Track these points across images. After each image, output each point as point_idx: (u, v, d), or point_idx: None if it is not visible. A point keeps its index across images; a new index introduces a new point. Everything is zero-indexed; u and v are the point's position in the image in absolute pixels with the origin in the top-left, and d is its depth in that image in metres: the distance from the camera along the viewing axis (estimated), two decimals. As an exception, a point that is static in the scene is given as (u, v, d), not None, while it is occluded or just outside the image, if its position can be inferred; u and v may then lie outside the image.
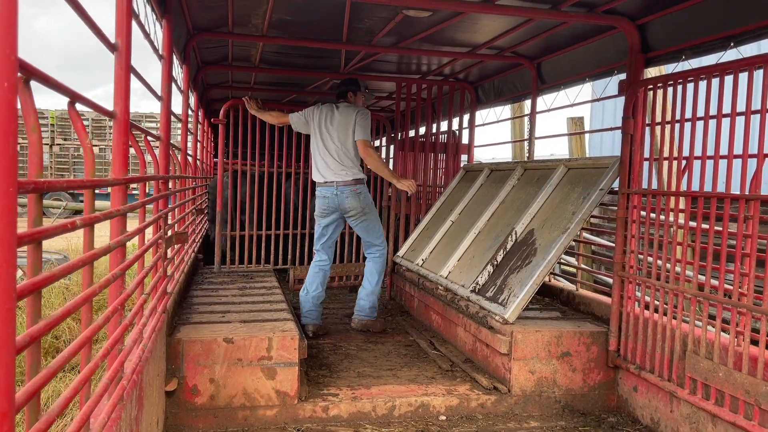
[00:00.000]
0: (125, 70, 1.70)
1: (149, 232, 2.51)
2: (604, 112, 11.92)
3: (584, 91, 4.63)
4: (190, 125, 4.98)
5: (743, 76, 2.71)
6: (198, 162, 5.92)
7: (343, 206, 4.52)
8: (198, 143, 6.06)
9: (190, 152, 4.93)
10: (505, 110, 6.55)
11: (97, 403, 1.40)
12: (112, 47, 1.68)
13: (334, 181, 4.50)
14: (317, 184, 4.60)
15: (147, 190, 2.45)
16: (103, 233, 2.18)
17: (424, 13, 3.71)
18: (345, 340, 4.56)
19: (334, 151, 4.53)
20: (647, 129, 3.39)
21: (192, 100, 5.36)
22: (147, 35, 2.45)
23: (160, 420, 2.81)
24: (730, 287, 2.70)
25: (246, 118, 5.69)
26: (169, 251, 3.09)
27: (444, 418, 3.33)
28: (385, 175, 4.75)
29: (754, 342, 2.62)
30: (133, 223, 2.17)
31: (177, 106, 3.88)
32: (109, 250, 1.39)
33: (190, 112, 4.91)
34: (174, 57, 3.35)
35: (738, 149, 2.70)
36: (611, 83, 4.36)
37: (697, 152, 2.96)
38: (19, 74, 0.73)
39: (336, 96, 4.79)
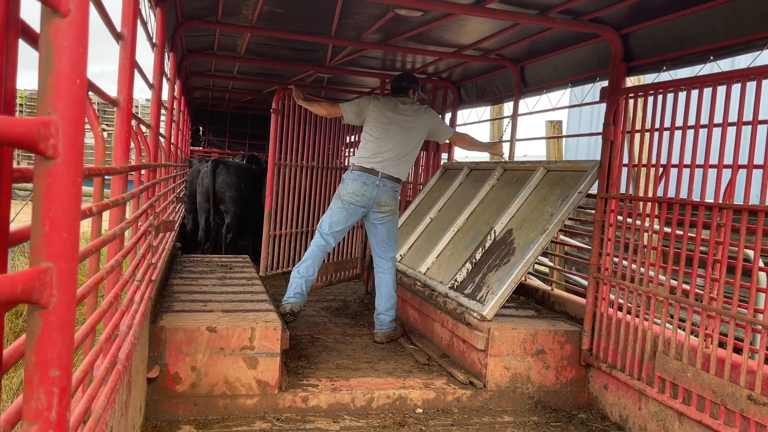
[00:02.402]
0: (130, 60, 1.72)
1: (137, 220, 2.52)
2: (581, 117, 12.15)
3: (564, 95, 4.74)
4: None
5: (721, 89, 2.83)
6: (179, 150, 5.89)
7: (380, 199, 4.30)
8: (179, 131, 6.02)
9: (172, 140, 4.90)
10: (486, 111, 6.65)
11: (99, 388, 1.43)
12: (118, 36, 1.70)
13: (379, 172, 4.28)
14: (359, 168, 4.32)
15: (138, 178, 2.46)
16: (84, 221, 2.18)
17: (416, 12, 3.76)
18: (323, 332, 4.60)
19: (399, 147, 4.34)
20: (627, 136, 3.51)
21: (176, 88, 5.33)
22: (144, 23, 2.46)
23: (142, 406, 2.83)
24: (701, 292, 2.82)
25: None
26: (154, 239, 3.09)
27: (421, 411, 3.40)
28: (480, 148, 4.94)
29: (722, 344, 2.74)
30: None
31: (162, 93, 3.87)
32: (116, 236, 1.42)
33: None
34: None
35: (713, 159, 2.81)
36: (592, 89, 4.48)
37: (674, 160, 3.08)
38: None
39: (393, 90, 4.59)
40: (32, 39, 0.75)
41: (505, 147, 5.17)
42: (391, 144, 4.32)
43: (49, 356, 0.63)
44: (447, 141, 4.77)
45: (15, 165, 0.74)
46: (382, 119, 4.37)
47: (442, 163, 6.27)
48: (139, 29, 2.51)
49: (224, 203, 7.43)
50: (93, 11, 1.40)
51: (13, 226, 0.75)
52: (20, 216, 7.01)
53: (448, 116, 6.43)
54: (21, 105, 20.07)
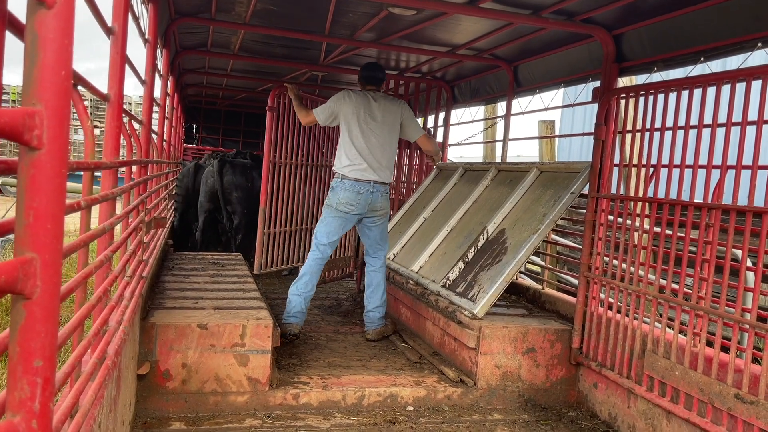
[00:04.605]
0: (121, 55, 1.72)
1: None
2: (574, 117, 12.19)
3: (557, 95, 4.75)
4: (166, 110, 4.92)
5: (711, 90, 2.85)
6: (171, 147, 5.87)
7: (375, 205, 4.23)
8: (172, 128, 6.00)
9: (165, 137, 4.89)
10: (479, 110, 6.67)
11: (87, 382, 1.43)
12: (108, 31, 1.70)
13: (371, 180, 4.19)
14: (350, 178, 4.18)
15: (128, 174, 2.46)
16: (73, 217, 2.17)
17: (409, 11, 3.77)
18: (314, 330, 4.60)
19: (377, 148, 4.22)
20: (618, 136, 3.53)
21: (169, 85, 5.31)
22: (136, 19, 2.45)
23: (132, 403, 2.83)
24: (690, 291, 2.84)
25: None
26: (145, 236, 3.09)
27: (411, 408, 3.41)
28: (433, 152, 4.83)
29: (710, 343, 2.76)
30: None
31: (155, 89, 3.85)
32: (104, 231, 1.42)
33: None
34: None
35: (703, 160, 2.83)
36: (584, 90, 4.50)
37: (665, 161, 3.10)
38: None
39: (368, 80, 4.37)
40: (18, 30, 0.75)
41: (498, 147, 5.18)
42: (375, 148, 4.21)
43: (32, 346, 0.64)
44: (413, 141, 4.58)
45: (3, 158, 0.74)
46: (359, 121, 4.20)
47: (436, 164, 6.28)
48: (131, 25, 2.51)
49: (231, 204, 7.31)
50: (83, 4, 1.40)
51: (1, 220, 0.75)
52: (11, 213, 6.97)
53: (441, 115, 6.44)
54: (14, 101, 19.96)
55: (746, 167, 2.60)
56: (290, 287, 4.25)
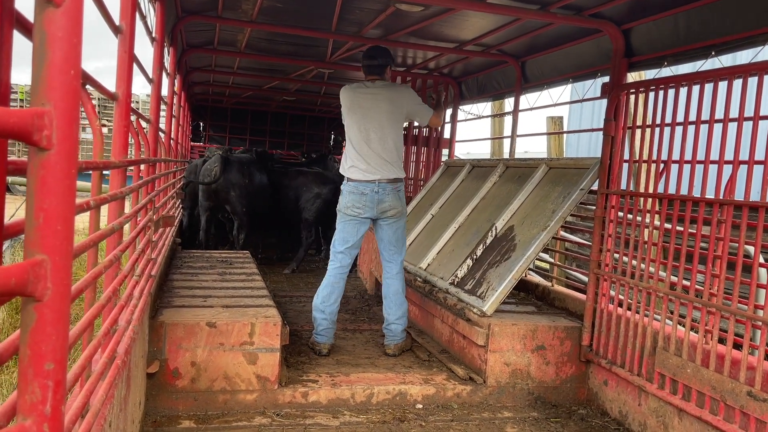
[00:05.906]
0: (129, 54, 1.72)
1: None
2: (582, 112, 12.13)
3: (565, 91, 4.73)
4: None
5: (723, 85, 2.82)
6: (178, 146, 5.88)
7: (383, 205, 3.94)
8: (179, 127, 6.01)
9: (172, 135, 4.89)
10: (486, 106, 6.65)
11: (97, 382, 1.42)
12: (116, 29, 1.69)
13: (375, 179, 3.91)
14: (353, 179, 3.96)
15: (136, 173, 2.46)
16: (81, 216, 2.17)
17: (417, 7, 3.75)
18: (323, 328, 4.59)
19: (377, 142, 3.92)
20: (628, 131, 3.50)
21: (176, 84, 5.31)
22: (143, 17, 2.44)
23: (141, 401, 2.83)
24: (701, 288, 2.82)
25: None
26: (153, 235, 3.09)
27: (420, 406, 3.40)
28: (441, 120, 4.55)
29: (722, 341, 2.74)
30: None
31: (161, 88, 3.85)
32: (114, 231, 1.42)
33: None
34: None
35: (714, 155, 2.80)
36: (593, 85, 4.47)
37: (675, 156, 3.07)
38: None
39: (366, 69, 4.02)
40: (27, 29, 0.74)
41: (506, 143, 5.16)
42: (374, 143, 3.92)
43: (43, 349, 0.63)
44: (425, 125, 4.26)
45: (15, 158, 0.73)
46: (354, 116, 3.95)
47: (443, 161, 6.26)
48: (139, 23, 2.50)
49: (230, 203, 7.13)
50: (90, 3, 1.39)
51: (10, 220, 0.74)
52: (20, 212, 7.01)
53: (449, 112, 6.42)
54: (21, 100, 20.05)
55: (759, 162, 2.57)
56: (313, 301, 4.06)
